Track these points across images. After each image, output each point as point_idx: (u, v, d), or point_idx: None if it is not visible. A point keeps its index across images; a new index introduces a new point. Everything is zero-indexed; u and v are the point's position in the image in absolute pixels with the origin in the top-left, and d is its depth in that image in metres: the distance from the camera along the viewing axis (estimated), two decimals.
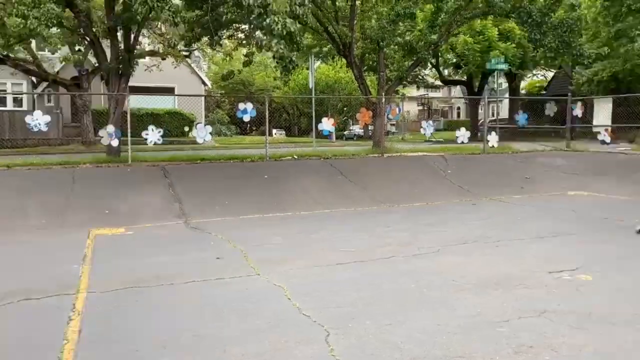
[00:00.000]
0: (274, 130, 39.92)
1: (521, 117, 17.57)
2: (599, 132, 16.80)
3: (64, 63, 21.45)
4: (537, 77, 41.02)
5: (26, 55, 21.63)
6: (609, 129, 16.30)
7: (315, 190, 11.52)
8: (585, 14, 21.36)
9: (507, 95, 35.12)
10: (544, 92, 35.41)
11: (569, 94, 19.08)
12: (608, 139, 16.03)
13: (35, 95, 26.49)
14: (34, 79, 26.13)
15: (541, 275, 5.67)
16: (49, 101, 28.13)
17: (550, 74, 37.08)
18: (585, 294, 5.06)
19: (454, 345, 3.89)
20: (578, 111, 17.19)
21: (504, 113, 36.60)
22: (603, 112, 20.57)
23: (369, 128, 24.66)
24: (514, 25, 25.53)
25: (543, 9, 15.70)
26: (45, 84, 26.23)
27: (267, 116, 14.59)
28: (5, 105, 26.12)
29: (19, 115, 20.64)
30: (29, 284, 5.56)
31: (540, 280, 5.47)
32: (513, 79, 32.83)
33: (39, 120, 12.25)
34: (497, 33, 27.54)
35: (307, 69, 26.90)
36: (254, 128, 42.59)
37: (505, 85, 37.16)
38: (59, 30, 17.14)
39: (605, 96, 22.59)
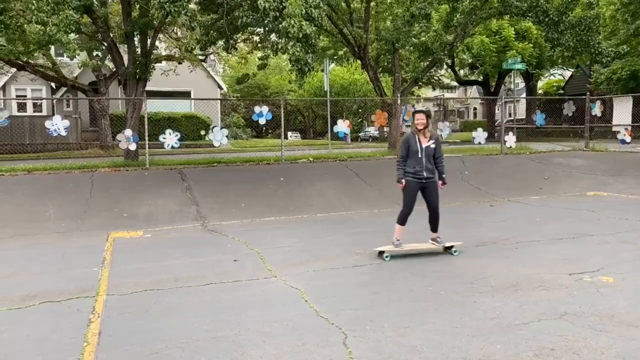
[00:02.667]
0: (289, 133, 40.02)
1: (539, 117, 17.40)
2: (618, 132, 16.56)
3: (82, 68, 21.75)
4: (554, 77, 40.57)
5: (45, 61, 21.97)
6: (629, 128, 16.04)
7: (331, 193, 11.51)
8: (603, 11, 21.07)
9: (524, 95, 34.79)
10: (562, 91, 35.00)
11: (587, 93, 18.85)
12: (628, 139, 15.80)
13: (54, 101, 26.89)
14: (53, 84, 26.55)
15: (561, 277, 5.59)
16: (67, 106, 28.53)
17: (567, 73, 36.66)
18: (606, 296, 4.98)
19: (473, 348, 3.86)
20: (597, 110, 16.96)
21: (521, 113, 36.27)
22: (622, 111, 20.28)
23: (384, 129, 24.61)
24: (530, 24, 25.33)
25: (560, 8, 15.53)
26: (64, 89, 26.63)
27: (282, 119, 14.64)
28: (25, 111, 26.56)
29: (38, 121, 20.97)
30: (50, 286, 5.64)
31: (560, 282, 5.40)
32: (530, 78, 32.52)
33: (58, 125, 12.44)
34: (513, 33, 27.33)
35: (322, 71, 26.93)
36: (270, 131, 42.72)
37: (522, 85, 36.82)
38: (77, 36, 17.41)
39: (624, 95, 22.29)
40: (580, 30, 15.59)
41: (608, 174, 13.65)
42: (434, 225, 6.77)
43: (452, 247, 6.74)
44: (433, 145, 6.57)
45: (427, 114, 6.60)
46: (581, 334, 4.07)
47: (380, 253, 6.60)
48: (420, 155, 6.50)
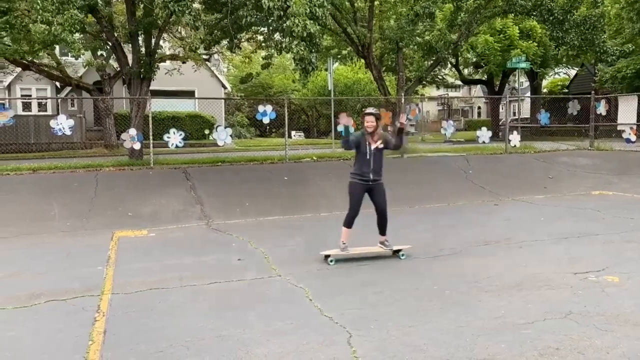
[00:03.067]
0: (293, 132, 39.99)
1: (543, 116, 17.34)
2: (623, 130, 16.50)
3: (86, 68, 21.80)
4: (559, 76, 40.43)
5: (50, 60, 22.04)
6: (634, 127, 15.97)
7: (334, 192, 11.49)
8: (608, 10, 20.98)
9: (528, 94, 34.71)
10: (566, 90, 34.89)
11: (592, 91, 18.78)
12: (633, 138, 15.72)
13: (59, 100, 26.97)
14: (57, 83, 26.63)
15: (566, 276, 5.58)
16: (72, 105, 28.63)
17: (572, 72, 36.55)
18: (611, 295, 4.96)
19: (477, 347, 3.85)
20: (602, 109, 16.89)
21: (526, 112, 36.19)
22: (628, 110, 20.19)
23: (388, 129, 24.60)
24: (535, 23, 25.23)
25: (565, 6, 15.47)
26: (68, 88, 26.70)
27: (286, 118, 14.64)
28: (30, 110, 26.65)
29: (43, 120, 21.04)
30: (55, 285, 5.66)
31: (565, 282, 5.39)
32: (534, 77, 32.40)
33: (63, 124, 12.47)
34: (518, 31, 27.23)
35: (326, 70, 26.92)
36: (274, 130, 42.73)
37: (526, 84, 36.72)
38: (81, 35, 17.46)
39: (629, 94, 22.20)
40: (585, 29, 15.53)
41: (613, 173, 13.60)
42: (382, 228, 6.67)
43: (400, 250, 6.61)
44: (382, 146, 6.45)
45: (377, 116, 6.47)
46: (586, 333, 4.06)
47: (326, 257, 6.44)
48: (368, 157, 6.40)
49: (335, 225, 8.96)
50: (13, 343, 4.19)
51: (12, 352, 4.02)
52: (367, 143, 6.42)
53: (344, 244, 6.53)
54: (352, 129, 16.08)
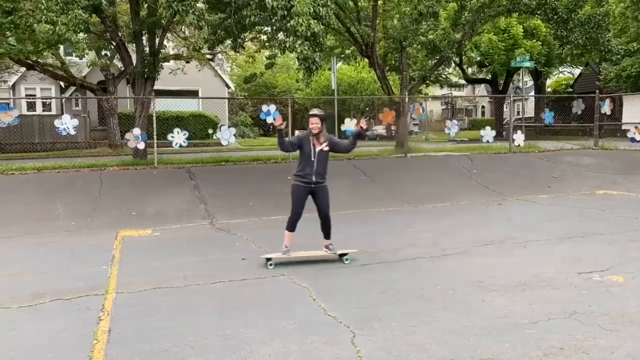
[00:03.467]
0: (296, 132, 39.98)
1: (547, 116, 17.30)
2: (628, 130, 16.43)
3: (91, 68, 21.86)
4: (563, 75, 40.32)
5: (54, 60, 22.11)
6: (639, 126, 15.91)
7: (338, 191, 11.45)
8: (612, 8, 20.91)
9: (532, 93, 34.62)
10: (571, 89, 34.78)
11: (597, 91, 18.71)
12: (638, 137, 15.66)
13: (63, 100, 27.04)
14: (62, 83, 26.72)
15: (570, 276, 5.57)
16: (76, 105, 28.72)
17: (577, 71, 36.44)
18: (616, 295, 4.95)
19: (481, 347, 3.85)
20: (606, 108, 16.83)
21: (530, 111, 36.09)
22: (632, 109, 20.11)
23: (392, 128, 24.55)
24: (539, 22, 25.18)
25: (569, 5, 15.42)
26: (72, 88, 26.80)
27: (289, 118, 14.65)
28: (34, 110, 26.73)
29: (47, 120, 21.10)
30: (60, 284, 5.68)
31: (569, 281, 5.38)
32: (538, 76, 32.34)
33: (67, 124, 12.51)
34: (522, 30, 27.17)
35: (329, 70, 26.92)
36: None
37: (530, 83, 36.63)
38: (86, 35, 17.50)
39: (634, 93, 22.12)
40: (590, 28, 15.48)
41: (618, 173, 13.56)
42: (325, 231, 6.50)
43: (345, 254, 6.45)
44: (327, 149, 6.32)
45: (322, 117, 6.30)
46: (590, 333, 4.05)
47: (267, 260, 6.27)
48: (312, 159, 6.26)
49: (338, 224, 8.95)
50: (18, 342, 4.21)
51: (16, 351, 4.04)
52: (312, 145, 6.27)
53: (286, 247, 6.35)
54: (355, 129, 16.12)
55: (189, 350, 3.93)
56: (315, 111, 6.37)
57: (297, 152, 6.48)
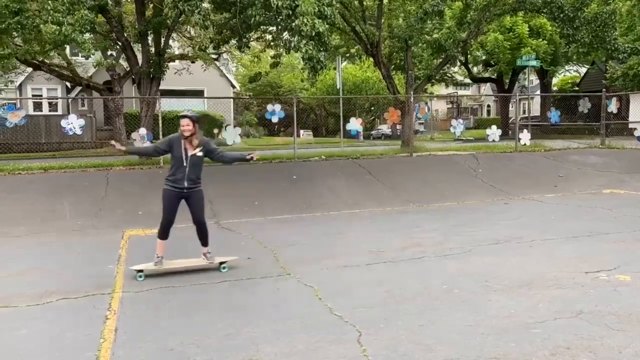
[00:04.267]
0: (301, 131, 40.02)
1: (553, 115, 17.22)
2: (635, 129, 16.34)
3: (97, 68, 21.93)
4: (569, 73, 40.13)
5: (61, 60, 22.19)
6: None
7: (343, 191, 11.51)
8: (619, 7, 20.79)
9: (538, 92, 34.48)
10: (577, 88, 34.62)
11: (603, 89, 18.62)
12: None
13: (69, 100, 27.15)
14: (68, 83, 26.81)
15: (577, 275, 5.55)
16: (82, 105, 28.82)
17: (583, 70, 36.26)
18: (623, 294, 4.93)
19: (487, 346, 3.84)
20: (613, 107, 16.74)
21: (536, 110, 35.95)
22: (639, 108, 19.99)
23: (397, 127, 24.50)
24: (545, 21, 25.07)
25: (575, 4, 15.35)
26: (78, 88, 26.87)
27: (295, 117, 14.65)
28: (41, 110, 26.86)
29: (54, 120, 21.18)
30: (67, 283, 5.71)
31: (575, 281, 5.36)
32: (544, 75, 32.19)
33: (73, 124, 12.56)
34: (527, 29, 27.06)
35: (334, 69, 26.91)
36: (282, 129, 42.81)
37: (536, 82, 36.48)
38: (92, 35, 17.56)
39: None
40: (596, 26, 15.40)
41: (624, 172, 13.49)
42: (202, 239, 6.17)
43: (224, 262, 6.14)
44: (200, 154, 5.99)
45: (194, 119, 5.89)
46: (597, 332, 4.03)
47: (138, 272, 5.83)
48: (185, 164, 5.91)
49: (342, 224, 8.99)
50: (25, 341, 4.23)
51: (24, 350, 4.06)
52: (184, 148, 5.91)
53: (158, 257, 5.97)
54: (360, 129, 16.11)
55: (195, 349, 3.94)
56: (186, 112, 5.99)
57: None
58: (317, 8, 9.41)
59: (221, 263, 6.15)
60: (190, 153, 5.95)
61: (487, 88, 53.07)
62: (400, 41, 17.25)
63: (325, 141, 27.75)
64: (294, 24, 9.49)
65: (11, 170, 11.79)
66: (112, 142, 6.14)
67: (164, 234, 6.02)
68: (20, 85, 28.04)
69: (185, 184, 5.98)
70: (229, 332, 4.26)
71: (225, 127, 14.56)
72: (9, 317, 4.77)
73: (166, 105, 20.43)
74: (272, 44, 17.93)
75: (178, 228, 6.35)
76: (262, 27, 14.86)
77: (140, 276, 5.82)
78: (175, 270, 6.04)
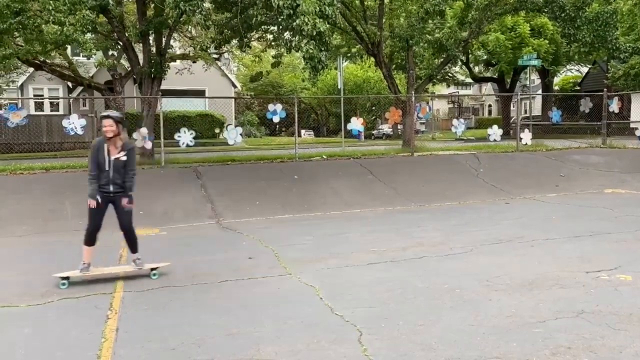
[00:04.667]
0: (303, 131, 40.06)
1: (555, 114, 17.21)
2: (636, 128, 16.33)
3: (98, 67, 21.94)
4: (571, 73, 40.08)
5: (62, 60, 22.20)
6: None
7: (345, 190, 11.51)
8: (620, 6, 20.77)
9: (539, 91, 34.44)
10: (578, 87, 34.58)
11: (605, 89, 18.59)
12: None
13: (71, 100, 27.17)
14: (69, 83, 26.85)
15: (578, 275, 5.54)
16: (84, 105, 28.83)
17: (584, 69, 36.22)
18: (624, 294, 4.92)
19: (488, 346, 3.84)
20: (615, 107, 16.71)
21: (537, 110, 35.92)
22: None
23: (398, 127, 24.49)
24: (546, 20, 25.04)
25: (577, 3, 15.33)
26: (80, 88, 26.90)
27: (296, 117, 14.66)
28: (42, 110, 26.89)
29: (55, 120, 21.22)
30: (68, 283, 5.70)
31: (577, 281, 5.35)
32: (546, 75, 32.16)
33: (75, 123, 12.59)
34: (529, 29, 27.03)
35: (336, 69, 26.90)
36: (283, 129, 42.85)
37: (537, 81, 36.45)
38: (93, 35, 17.58)
39: None
40: (598, 26, 15.38)
41: (626, 171, 13.47)
42: (130, 245, 5.96)
43: (155, 269, 5.91)
44: (124, 158, 5.71)
45: (117, 119, 5.65)
46: (598, 332, 4.03)
47: (62, 279, 5.56)
48: (107, 168, 5.67)
49: (344, 223, 8.99)
50: (27, 340, 4.24)
51: (25, 349, 4.07)
52: (107, 151, 5.68)
53: (84, 264, 5.73)
54: (361, 128, 16.11)
55: (196, 349, 3.95)
56: (108, 112, 5.74)
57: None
58: (318, 7, 9.41)
59: (152, 269, 5.91)
60: (113, 157, 5.70)
61: (488, 88, 53.04)
62: (402, 41, 17.23)
63: (326, 141, 27.76)
64: (295, 23, 9.49)
65: (13, 170, 11.81)
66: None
67: (90, 240, 5.76)
68: (22, 85, 28.09)
69: (111, 188, 5.74)
70: (230, 331, 4.26)
71: (227, 126, 14.57)
72: (10, 317, 4.78)
73: (167, 105, 20.48)
74: (273, 43, 17.94)
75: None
76: (263, 26, 14.87)
77: (64, 284, 5.54)
78: (103, 277, 5.80)
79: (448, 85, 43.58)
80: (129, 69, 19.63)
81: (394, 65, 20.77)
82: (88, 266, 5.76)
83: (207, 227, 8.96)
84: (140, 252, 6.02)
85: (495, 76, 33.65)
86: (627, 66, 23.59)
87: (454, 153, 15.61)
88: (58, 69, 21.61)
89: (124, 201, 5.79)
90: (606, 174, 13.43)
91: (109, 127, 5.60)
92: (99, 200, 5.72)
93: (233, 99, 29.78)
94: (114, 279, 5.85)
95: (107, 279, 5.81)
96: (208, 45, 16.81)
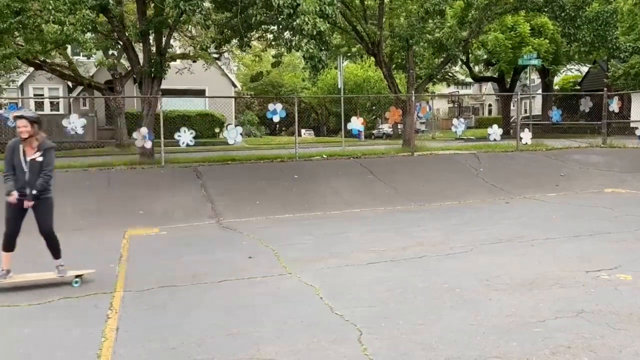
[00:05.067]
0: (303, 131, 40.05)
1: (555, 114, 17.20)
2: (636, 128, 16.32)
3: (98, 67, 21.95)
4: (571, 72, 40.08)
5: (62, 60, 22.22)
6: None
7: (345, 190, 11.51)
8: (621, 6, 20.76)
9: (540, 91, 34.44)
10: (578, 87, 34.57)
11: (605, 88, 18.58)
12: None
13: (71, 99, 27.17)
14: (69, 83, 26.85)
15: (578, 274, 5.54)
16: (84, 105, 28.85)
17: (585, 69, 36.22)
18: (624, 293, 4.92)
19: (488, 345, 3.84)
20: (615, 106, 16.70)
21: (537, 109, 35.92)
22: None
23: (399, 127, 24.49)
24: (546, 20, 25.03)
25: (577, 3, 15.33)
26: (80, 88, 26.90)
27: (296, 116, 14.66)
28: (42, 110, 26.88)
29: (55, 119, 21.18)
30: (68, 283, 5.70)
31: (577, 280, 5.35)
32: (546, 74, 32.14)
33: (75, 123, 12.59)
34: (529, 28, 27.02)
35: (336, 68, 26.90)
36: (284, 128, 42.85)
37: (538, 81, 36.45)
38: (93, 35, 17.59)
39: None
40: (598, 25, 15.37)
41: (626, 171, 13.47)
42: (52, 251, 5.69)
43: (79, 276, 5.65)
44: (41, 159, 5.46)
45: (32, 119, 5.41)
46: (598, 332, 4.03)
47: None
48: (25, 170, 5.42)
49: (346, 223, 8.99)
50: (27, 340, 4.24)
51: (26, 348, 4.07)
52: (23, 152, 5.45)
53: (3, 270, 5.49)
54: (361, 128, 16.10)
55: (197, 349, 3.95)
56: (21, 112, 5.49)
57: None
58: (318, 7, 9.41)
59: (76, 276, 5.64)
60: (29, 158, 5.46)
61: (488, 87, 53.03)
62: (402, 40, 17.23)
63: (326, 140, 27.74)
64: (295, 23, 9.50)
65: None
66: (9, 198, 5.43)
67: (8, 245, 5.50)
68: (22, 84, 28.09)
69: (28, 191, 5.45)
70: (230, 331, 4.27)
71: (227, 126, 14.57)
72: (11, 316, 4.79)
73: (167, 104, 20.49)
74: (273, 43, 17.94)
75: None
76: (263, 26, 14.88)
77: None
78: (22, 285, 5.56)
79: (448, 85, 43.57)
80: (129, 68, 19.65)
81: (394, 65, 20.77)
82: (7, 273, 5.53)
83: (207, 227, 8.96)
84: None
85: (495, 76, 33.65)
86: (627, 66, 23.58)
87: (454, 152, 15.61)
88: (58, 68, 21.64)
89: (26, 203, 5.44)
90: (606, 174, 13.43)
91: (23, 127, 5.38)
92: (17, 196, 5.41)
93: (233, 99, 29.78)
94: (53, 284, 5.62)
95: (54, 284, 5.60)
96: (208, 45, 16.83)
